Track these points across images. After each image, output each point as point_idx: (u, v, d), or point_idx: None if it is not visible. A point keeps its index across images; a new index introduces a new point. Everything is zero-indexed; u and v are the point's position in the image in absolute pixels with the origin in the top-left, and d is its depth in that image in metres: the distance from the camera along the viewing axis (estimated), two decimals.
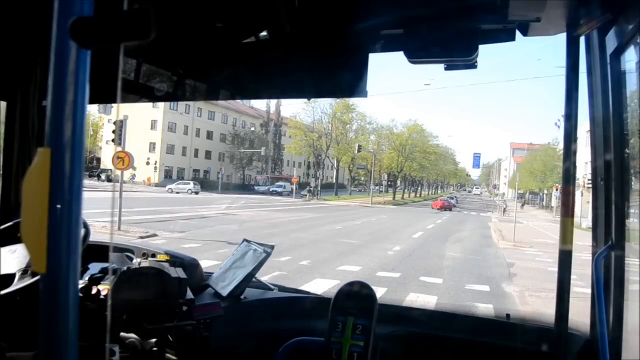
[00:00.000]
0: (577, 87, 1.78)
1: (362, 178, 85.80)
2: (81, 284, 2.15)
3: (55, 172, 0.73)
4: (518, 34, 2.03)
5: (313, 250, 17.09)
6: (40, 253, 0.73)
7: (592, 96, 1.96)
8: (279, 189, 64.71)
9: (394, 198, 68.91)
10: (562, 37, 1.85)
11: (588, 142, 2.00)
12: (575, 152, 1.78)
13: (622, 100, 1.83)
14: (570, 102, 1.76)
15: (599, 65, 1.88)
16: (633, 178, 1.91)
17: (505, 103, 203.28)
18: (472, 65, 2.05)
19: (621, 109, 1.83)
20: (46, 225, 0.72)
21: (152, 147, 61.94)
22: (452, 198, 72.06)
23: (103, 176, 53.44)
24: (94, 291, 2.15)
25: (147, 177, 57.33)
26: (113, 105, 7.23)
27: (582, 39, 1.83)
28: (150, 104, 42.06)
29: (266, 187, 67.43)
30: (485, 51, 2.07)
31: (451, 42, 1.93)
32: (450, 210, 55.41)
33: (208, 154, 70.62)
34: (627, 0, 1.63)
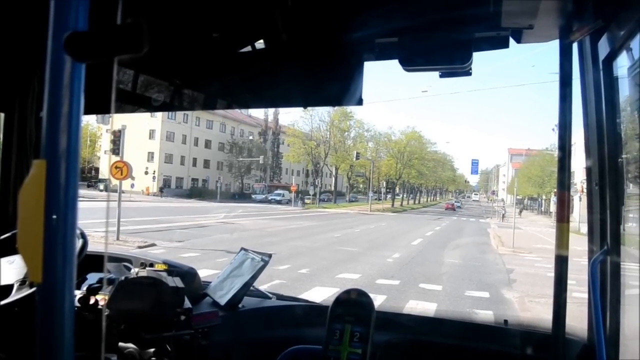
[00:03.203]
0: (570, 93, 1.79)
1: (361, 185, 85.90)
2: (79, 294, 2.15)
3: (50, 184, 0.73)
4: (512, 41, 2.05)
5: (312, 258, 17.04)
6: (36, 263, 0.73)
7: (585, 102, 1.98)
8: (278, 197, 64.53)
9: (392, 205, 68.87)
10: (555, 44, 1.86)
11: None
12: (570, 158, 1.78)
13: (615, 106, 1.85)
14: (564, 108, 1.77)
15: (592, 71, 1.90)
16: (627, 183, 1.92)
17: (503, 109, 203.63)
18: (467, 73, 2.07)
19: (614, 115, 1.85)
20: (42, 236, 0.73)
21: (150, 156, 61.85)
22: (458, 202, 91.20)
23: (101, 186, 53.28)
24: (92, 301, 2.15)
25: (146, 186, 57.19)
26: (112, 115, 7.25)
27: (574, 46, 1.85)
28: (149, 113, 42.13)
29: (264, 196, 67.24)
30: (482, 58, 2.09)
31: (445, 50, 1.95)
32: (454, 210, 70.95)
33: (206, 163, 70.50)
34: (617, 7, 1.64)
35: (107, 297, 2.13)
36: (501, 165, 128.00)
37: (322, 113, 68.05)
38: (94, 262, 2.14)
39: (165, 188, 62.23)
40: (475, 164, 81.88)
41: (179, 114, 59.10)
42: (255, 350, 2.52)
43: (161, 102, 2.73)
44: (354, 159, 66.46)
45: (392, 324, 2.52)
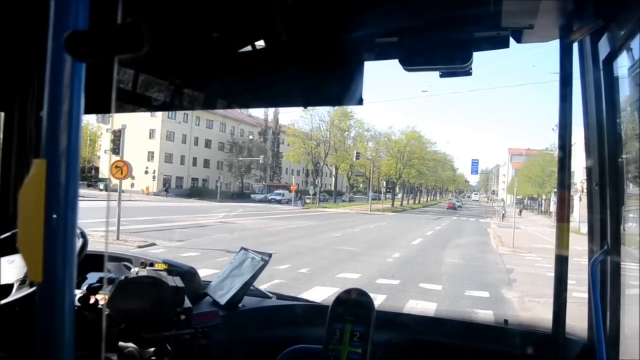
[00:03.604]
0: (571, 93, 1.78)
1: (361, 185, 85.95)
2: (79, 293, 2.15)
3: (50, 183, 0.73)
4: (512, 41, 2.05)
5: (312, 258, 17.03)
6: (37, 262, 0.73)
7: (585, 102, 1.98)
8: (278, 197, 64.42)
9: (392, 205, 68.86)
10: (555, 44, 1.86)
11: None
12: (570, 158, 1.78)
13: (616, 106, 1.85)
14: (564, 108, 1.77)
15: (592, 71, 1.90)
16: (627, 183, 1.92)
17: (503, 109, 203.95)
18: (467, 73, 2.07)
19: (615, 114, 1.85)
20: (42, 235, 0.73)
21: (150, 156, 61.78)
22: (459, 201, 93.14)
23: (101, 186, 53.19)
24: (91, 301, 2.15)
25: (146, 186, 57.13)
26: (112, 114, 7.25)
27: (575, 46, 1.85)
28: (149, 113, 42.08)
29: (263, 195, 67.10)
30: (483, 58, 2.10)
31: (445, 49, 1.95)
32: (455, 209, 73.19)
33: (206, 163, 70.44)
34: (617, 7, 1.64)
35: (107, 297, 2.13)
36: (501, 165, 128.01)
37: (322, 113, 68.15)
38: (94, 261, 2.14)
39: (168, 187, 62.22)
40: (475, 163, 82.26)
41: (179, 114, 59.01)
42: (255, 350, 2.52)
43: (161, 102, 2.73)
44: (354, 159, 66.46)
45: (392, 323, 2.52)
